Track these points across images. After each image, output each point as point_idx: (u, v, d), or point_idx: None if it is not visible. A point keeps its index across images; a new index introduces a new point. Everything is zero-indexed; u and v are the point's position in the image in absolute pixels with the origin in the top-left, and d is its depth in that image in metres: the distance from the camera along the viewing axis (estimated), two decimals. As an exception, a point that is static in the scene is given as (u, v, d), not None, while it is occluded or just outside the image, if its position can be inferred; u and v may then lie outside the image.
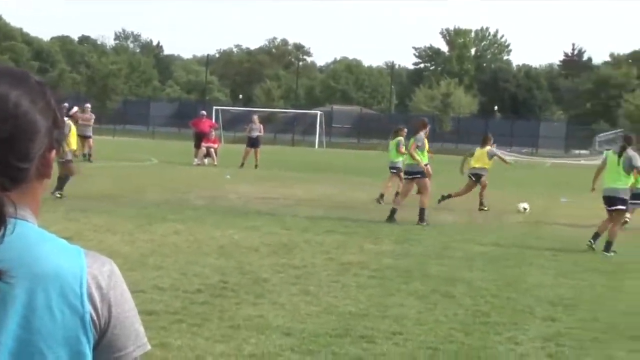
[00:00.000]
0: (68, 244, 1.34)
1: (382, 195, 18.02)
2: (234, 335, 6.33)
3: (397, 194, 16.49)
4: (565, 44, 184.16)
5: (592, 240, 12.24)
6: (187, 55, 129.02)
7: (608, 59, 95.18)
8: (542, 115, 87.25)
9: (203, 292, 7.82)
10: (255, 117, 30.18)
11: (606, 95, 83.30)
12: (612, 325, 7.38)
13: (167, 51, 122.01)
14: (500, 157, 18.71)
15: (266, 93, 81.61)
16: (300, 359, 5.84)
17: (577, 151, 68.10)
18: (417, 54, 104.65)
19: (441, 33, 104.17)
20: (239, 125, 55.01)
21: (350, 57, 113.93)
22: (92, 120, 28.05)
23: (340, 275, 9.12)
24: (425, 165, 15.14)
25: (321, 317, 7.09)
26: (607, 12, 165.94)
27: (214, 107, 59.38)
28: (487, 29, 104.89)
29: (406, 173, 15.47)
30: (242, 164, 28.17)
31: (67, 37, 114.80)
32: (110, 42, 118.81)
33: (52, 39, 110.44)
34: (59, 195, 15.03)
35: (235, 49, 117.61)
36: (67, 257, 1.31)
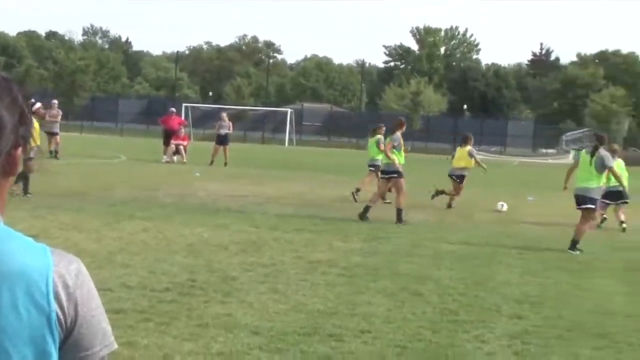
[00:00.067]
0: (34, 242, 1.33)
1: (357, 190, 18.10)
2: (202, 333, 6.31)
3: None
4: (534, 44, 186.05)
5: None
6: (156, 51, 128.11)
7: (575, 59, 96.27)
8: (510, 114, 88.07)
9: (171, 290, 7.78)
10: (224, 115, 30.11)
11: (573, 94, 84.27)
12: (577, 323, 7.47)
13: (136, 47, 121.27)
14: (477, 161, 18.80)
15: (236, 90, 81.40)
16: (269, 358, 5.83)
17: (544, 150, 68.88)
18: (387, 52, 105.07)
19: (411, 32, 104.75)
20: (208, 123, 54.79)
21: (321, 55, 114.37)
22: (59, 117, 27.76)
23: (309, 273, 9.13)
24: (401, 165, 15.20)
25: (290, 315, 7.09)
26: (574, 12, 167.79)
27: (184, 104, 59.15)
28: (456, 28, 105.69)
29: (382, 172, 15.54)
30: (212, 162, 28.08)
31: (34, 32, 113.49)
32: (78, 37, 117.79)
33: (18, 34, 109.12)
34: (30, 195, 14.81)
35: (205, 46, 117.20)
36: (33, 256, 1.30)
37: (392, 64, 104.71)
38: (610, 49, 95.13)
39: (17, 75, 76.75)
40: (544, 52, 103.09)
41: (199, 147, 34.54)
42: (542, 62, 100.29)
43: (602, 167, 12.31)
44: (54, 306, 1.29)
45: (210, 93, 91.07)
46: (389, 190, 15.85)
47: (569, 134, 70.51)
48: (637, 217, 16.43)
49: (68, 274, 1.32)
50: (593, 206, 12.34)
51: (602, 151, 12.41)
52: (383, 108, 77.94)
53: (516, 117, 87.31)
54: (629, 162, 16.21)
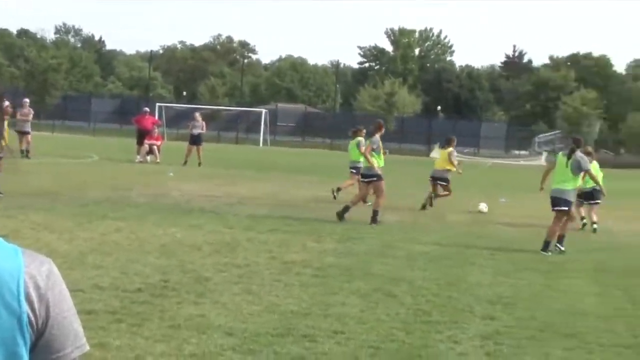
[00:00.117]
0: (5, 242, 1.32)
1: (338, 189, 18.14)
2: (175, 335, 6.28)
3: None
4: (507, 46, 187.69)
5: (558, 245, 12.43)
6: (130, 50, 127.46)
7: (547, 61, 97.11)
8: (483, 116, 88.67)
9: (143, 291, 7.73)
10: (198, 115, 30.01)
11: (545, 97, 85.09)
12: (548, 323, 7.54)
13: (109, 46, 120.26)
14: (452, 163, 18.88)
15: (210, 90, 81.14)
16: (242, 359, 5.82)
17: (517, 152, 69.40)
18: (362, 53, 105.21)
19: (386, 33, 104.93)
20: (182, 123, 54.51)
21: (296, 55, 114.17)
22: (31, 116, 27.44)
23: (282, 274, 9.12)
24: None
25: (263, 316, 7.08)
26: (547, 15, 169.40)
27: (157, 104, 58.86)
28: (431, 29, 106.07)
29: (362, 176, 15.56)
30: (185, 162, 27.96)
31: (5, 30, 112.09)
32: (50, 36, 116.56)
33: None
34: (0, 195, 14.64)
35: (179, 45, 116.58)
36: (4, 256, 1.29)
37: (366, 64, 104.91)
38: (582, 51, 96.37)
39: (-13, 73, 76.01)
40: (516, 54, 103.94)
41: (173, 147, 34.37)
42: (515, 65, 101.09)
43: (578, 169, 12.50)
44: (25, 307, 1.28)
45: (184, 93, 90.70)
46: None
47: (541, 136, 71.17)
48: (607, 218, 16.63)
49: (39, 275, 1.31)
50: (567, 208, 12.48)
51: (579, 154, 12.60)
52: (357, 109, 78.09)
53: (489, 119, 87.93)
54: (600, 165, 16.41)
